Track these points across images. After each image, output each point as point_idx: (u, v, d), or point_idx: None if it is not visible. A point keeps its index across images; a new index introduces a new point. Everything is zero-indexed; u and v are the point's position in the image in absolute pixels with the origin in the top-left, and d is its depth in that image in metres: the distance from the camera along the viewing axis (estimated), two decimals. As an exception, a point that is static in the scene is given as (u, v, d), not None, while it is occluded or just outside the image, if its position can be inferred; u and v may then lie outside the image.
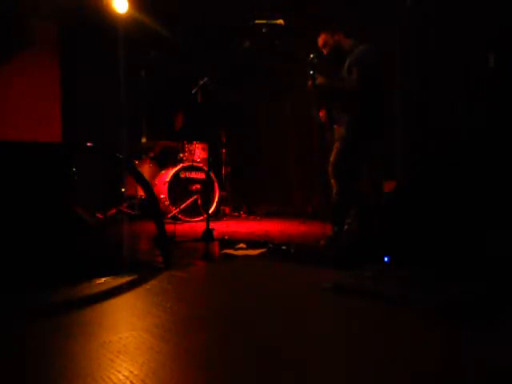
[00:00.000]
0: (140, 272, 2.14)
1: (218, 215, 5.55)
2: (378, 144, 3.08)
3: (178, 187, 5.16)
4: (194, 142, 5.58)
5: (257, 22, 2.87)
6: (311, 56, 2.93)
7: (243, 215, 5.91)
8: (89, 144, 2.40)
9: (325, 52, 3.04)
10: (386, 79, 4.61)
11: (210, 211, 5.00)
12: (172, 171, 5.18)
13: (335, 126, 3.09)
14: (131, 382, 0.94)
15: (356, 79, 2.82)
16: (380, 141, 3.05)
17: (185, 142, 5.58)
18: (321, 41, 3.05)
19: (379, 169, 4.72)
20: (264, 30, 2.87)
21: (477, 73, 3.62)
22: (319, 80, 2.88)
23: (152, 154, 5.71)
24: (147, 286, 1.87)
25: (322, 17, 3.33)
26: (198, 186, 5.28)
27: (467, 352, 1.14)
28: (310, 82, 2.91)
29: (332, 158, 2.97)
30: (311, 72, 2.89)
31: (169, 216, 4.92)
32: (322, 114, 3.28)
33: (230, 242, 3.03)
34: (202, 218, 5.06)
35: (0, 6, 4.90)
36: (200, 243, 3.10)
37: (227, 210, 5.89)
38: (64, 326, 1.36)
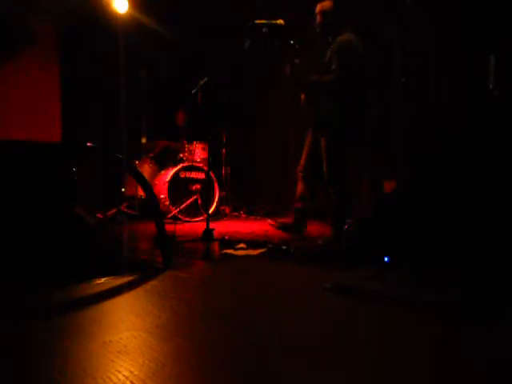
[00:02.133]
0: (140, 272, 2.14)
1: (218, 215, 5.55)
2: (353, 132, 3.00)
3: (178, 187, 5.16)
4: (194, 142, 5.58)
5: (257, 21, 2.87)
6: (291, 42, 2.87)
7: (243, 215, 5.90)
8: (89, 144, 2.40)
9: (318, 19, 2.93)
10: (386, 79, 4.61)
11: (210, 211, 4.99)
12: (172, 171, 5.18)
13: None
14: (131, 381, 0.94)
15: (335, 69, 2.77)
16: (354, 129, 2.98)
17: (185, 141, 5.58)
18: (323, 7, 2.93)
19: (379, 169, 4.72)
20: (264, 30, 2.87)
21: (477, 72, 3.62)
22: (298, 74, 2.84)
23: (152, 154, 5.71)
24: (147, 286, 1.87)
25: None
26: (198, 186, 5.28)
27: (467, 351, 1.14)
28: (287, 69, 2.85)
29: (324, 168, 2.94)
30: (291, 59, 2.84)
31: (169, 216, 4.92)
32: (302, 97, 3.24)
33: (230, 242, 3.03)
34: (202, 217, 5.06)
35: (0, 6, 4.90)
36: (200, 243, 3.10)
37: (227, 210, 5.89)
38: (64, 326, 1.36)
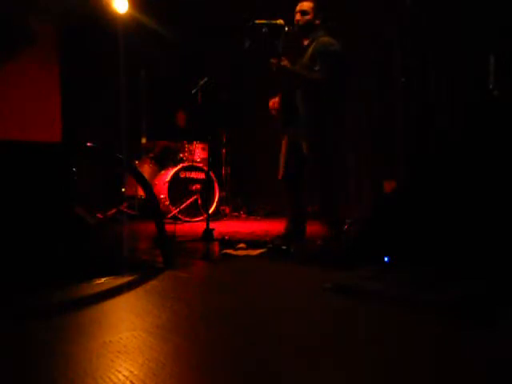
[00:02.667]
0: (140, 272, 2.14)
1: (218, 215, 5.55)
2: (338, 132, 2.98)
3: (178, 187, 5.16)
4: (194, 142, 5.58)
5: (257, 21, 2.87)
6: (286, 28, 2.82)
7: (243, 215, 5.90)
8: (89, 144, 2.40)
9: (296, 18, 2.90)
10: (386, 80, 4.60)
11: (210, 211, 5.00)
12: (172, 171, 5.18)
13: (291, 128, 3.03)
14: (131, 381, 0.94)
15: (321, 69, 2.76)
16: (339, 129, 2.96)
17: (185, 142, 5.58)
18: (302, 6, 2.89)
19: (379, 169, 4.72)
20: (264, 30, 2.86)
21: (477, 72, 3.62)
22: (284, 62, 2.81)
23: (152, 154, 5.71)
24: (147, 286, 1.87)
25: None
26: (198, 186, 5.28)
27: (467, 351, 1.14)
28: (274, 60, 2.77)
29: (308, 170, 2.90)
30: (278, 48, 2.79)
31: (169, 216, 4.92)
32: (272, 103, 3.18)
33: (230, 242, 3.03)
34: (202, 217, 5.06)
35: (0, 6, 4.90)
36: (200, 243, 3.10)
37: (227, 210, 5.89)
38: (64, 326, 1.36)
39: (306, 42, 2.96)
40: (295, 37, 2.97)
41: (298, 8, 2.92)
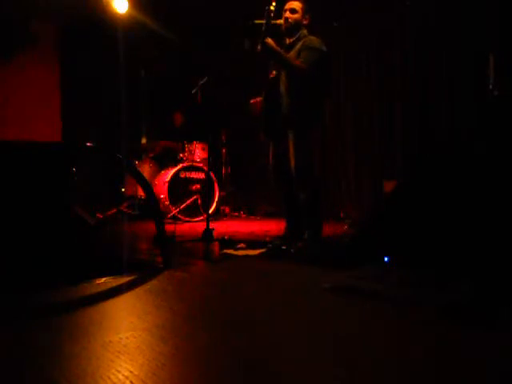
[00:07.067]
0: (140, 272, 2.14)
1: (217, 215, 5.55)
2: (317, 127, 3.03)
3: (178, 187, 5.16)
4: (194, 142, 5.58)
5: (257, 21, 2.87)
6: (273, 4, 2.80)
7: (243, 215, 5.90)
8: (89, 144, 2.40)
9: (285, 15, 2.91)
10: (386, 80, 4.60)
11: (210, 211, 5.00)
12: (172, 171, 5.18)
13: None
14: (131, 381, 0.94)
15: (305, 61, 2.77)
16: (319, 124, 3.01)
17: (185, 142, 5.58)
18: (291, 5, 2.93)
19: (379, 169, 4.73)
20: (264, 30, 2.86)
21: (477, 72, 3.62)
22: (269, 41, 2.76)
23: (152, 154, 5.71)
24: (147, 286, 1.87)
25: (320, 12, 3.30)
26: (198, 186, 5.28)
27: (467, 352, 1.14)
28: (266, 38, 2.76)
29: (293, 162, 2.86)
30: (265, 24, 2.75)
31: (169, 216, 4.92)
32: (253, 102, 3.21)
33: (230, 241, 3.03)
34: (201, 217, 5.06)
35: (0, 6, 4.90)
36: (200, 243, 3.11)
37: (227, 209, 5.89)
38: (64, 326, 1.36)
39: (289, 41, 2.98)
40: (278, 31, 2.99)
41: (287, 6, 2.96)
